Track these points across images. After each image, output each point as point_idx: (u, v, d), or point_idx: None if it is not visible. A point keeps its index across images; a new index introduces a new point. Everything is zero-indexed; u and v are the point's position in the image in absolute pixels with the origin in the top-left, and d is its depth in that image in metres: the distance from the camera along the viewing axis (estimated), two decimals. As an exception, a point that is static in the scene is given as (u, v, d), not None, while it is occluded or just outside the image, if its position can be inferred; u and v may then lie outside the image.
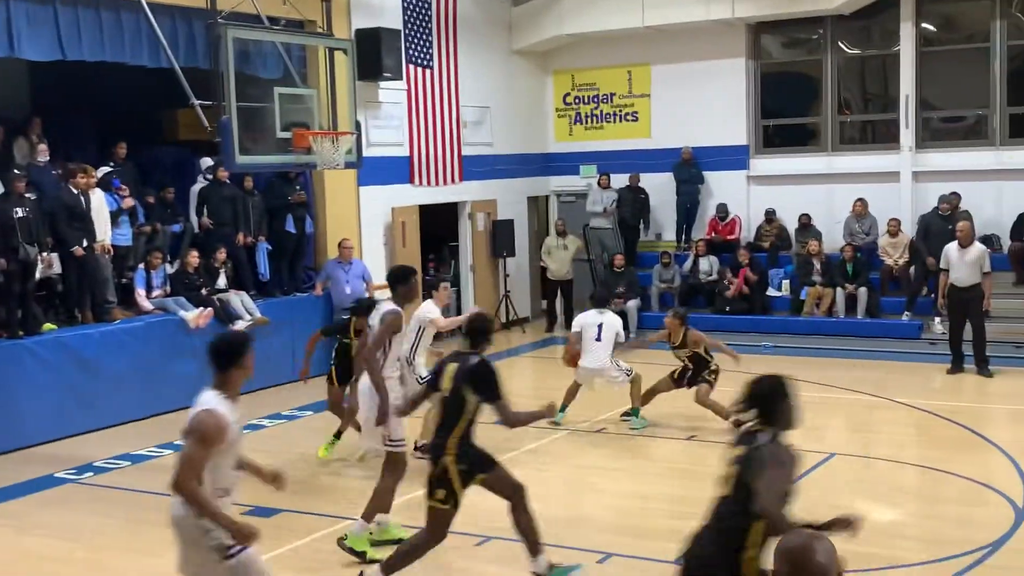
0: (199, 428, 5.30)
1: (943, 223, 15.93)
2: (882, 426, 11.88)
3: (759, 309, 17.36)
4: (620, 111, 19.86)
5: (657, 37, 18.93)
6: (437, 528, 6.94)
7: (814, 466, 9.57)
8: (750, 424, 5.10)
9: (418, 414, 8.94)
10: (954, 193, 16.61)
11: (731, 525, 4.97)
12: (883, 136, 18.49)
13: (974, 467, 9.75)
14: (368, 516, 7.91)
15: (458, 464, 6.77)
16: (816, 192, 18.22)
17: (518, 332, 18.45)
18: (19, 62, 13.24)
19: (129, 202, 13.44)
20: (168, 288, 13.54)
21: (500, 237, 18.63)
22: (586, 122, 20.18)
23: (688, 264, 18.15)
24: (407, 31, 16.76)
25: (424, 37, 17.19)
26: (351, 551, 7.76)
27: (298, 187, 15.20)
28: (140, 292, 13.26)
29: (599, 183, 19.01)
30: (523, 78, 19.76)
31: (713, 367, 11.31)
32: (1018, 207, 16.42)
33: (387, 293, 16.19)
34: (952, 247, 13.74)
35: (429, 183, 17.44)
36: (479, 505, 8.12)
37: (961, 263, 13.56)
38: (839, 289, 16.66)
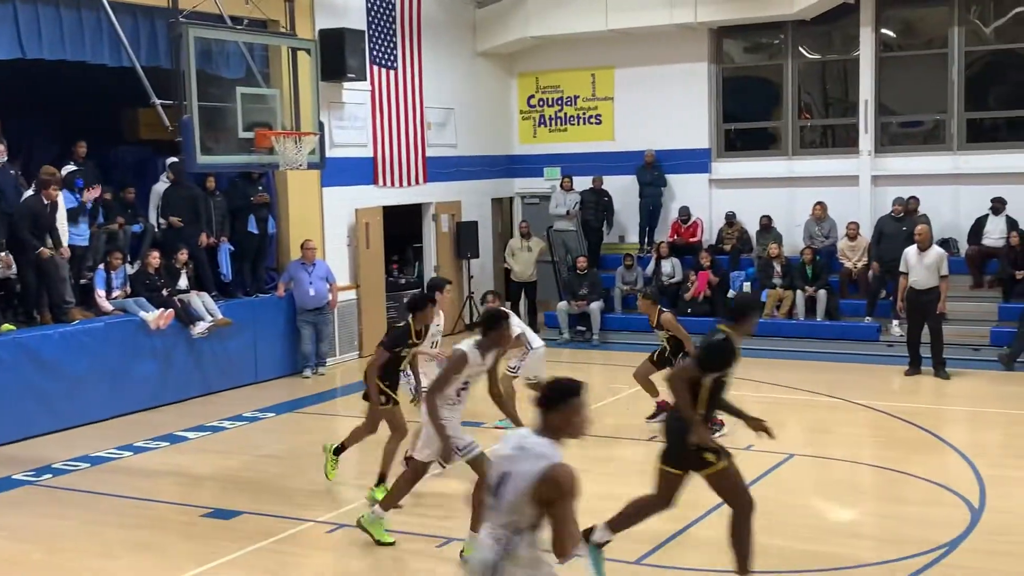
0: (566, 485, 4.49)
1: (896, 225, 16.28)
2: (840, 427, 12.01)
3: (721, 311, 17.44)
4: (584, 114, 19.94)
5: (621, 40, 19.01)
6: (665, 493, 6.86)
7: (773, 466, 9.66)
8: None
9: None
10: (912, 197, 16.82)
11: None
12: (843, 140, 18.68)
13: (931, 468, 9.88)
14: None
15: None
16: (777, 195, 18.37)
17: (481, 334, 18.43)
18: (-23, 60, 13.10)
19: (94, 193, 13.29)
20: (128, 289, 13.43)
21: (464, 239, 18.64)
22: (550, 124, 20.24)
23: (651, 266, 18.25)
24: (371, 32, 16.73)
25: (388, 38, 17.17)
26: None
27: (260, 187, 15.13)
28: (100, 293, 13.14)
29: (561, 185, 19.07)
30: (487, 80, 19.79)
31: (688, 351, 11.17)
32: (975, 211, 16.65)
33: (350, 295, 16.34)
34: (911, 250, 13.92)
35: (393, 184, 17.41)
36: (442, 507, 8.15)
37: (920, 266, 13.74)
38: (799, 291, 16.81)
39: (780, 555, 7.69)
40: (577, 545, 4.59)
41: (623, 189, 19.08)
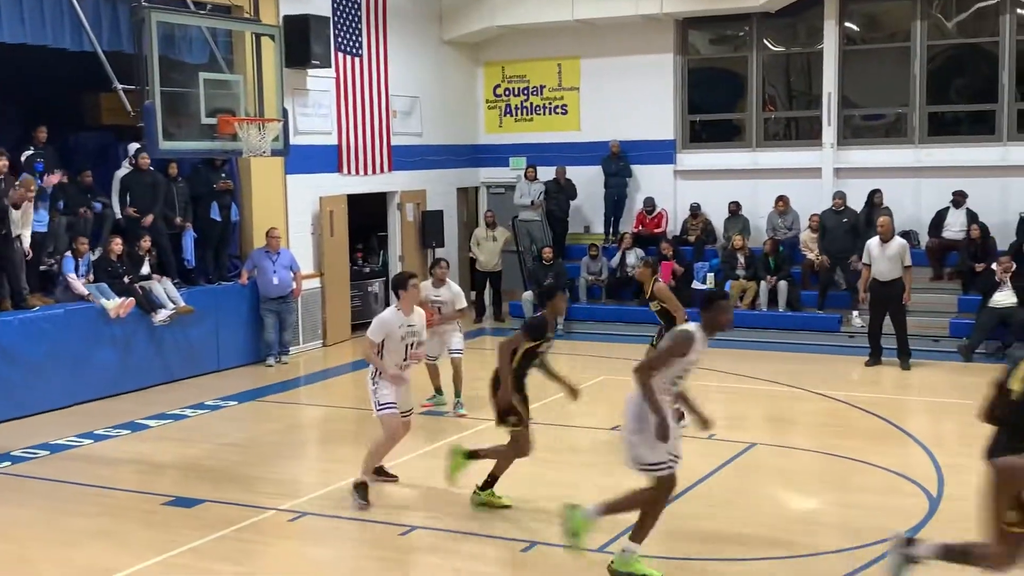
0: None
1: (837, 218, 16.77)
2: (801, 417, 12.11)
3: (684, 302, 17.43)
4: (550, 104, 19.94)
5: (587, 31, 19.03)
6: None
7: (735, 455, 9.73)
8: None
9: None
10: (876, 190, 16.97)
11: None
12: (806, 133, 18.80)
13: (891, 457, 9.98)
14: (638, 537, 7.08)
15: None
16: (741, 187, 18.48)
17: (446, 323, 18.41)
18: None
19: (54, 179, 13.14)
20: (91, 276, 13.29)
21: (429, 228, 18.60)
22: (516, 114, 20.23)
23: (616, 258, 18.29)
24: (336, 18, 16.63)
25: (353, 25, 17.07)
26: None
27: (224, 175, 15.02)
28: (72, 277, 12.99)
29: (526, 175, 19.06)
30: (453, 69, 19.74)
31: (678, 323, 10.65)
32: (936, 204, 16.82)
33: (314, 283, 16.26)
34: (873, 242, 14.05)
35: (358, 172, 17.34)
36: (408, 497, 8.15)
37: (882, 258, 13.88)
38: (762, 282, 16.91)
39: (740, 542, 7.77)
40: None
41: (588, 180, 19.11)
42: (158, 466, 10.33)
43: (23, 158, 13.18)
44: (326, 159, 16.70)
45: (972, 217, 16.35)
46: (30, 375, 12.18)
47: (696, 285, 17.48)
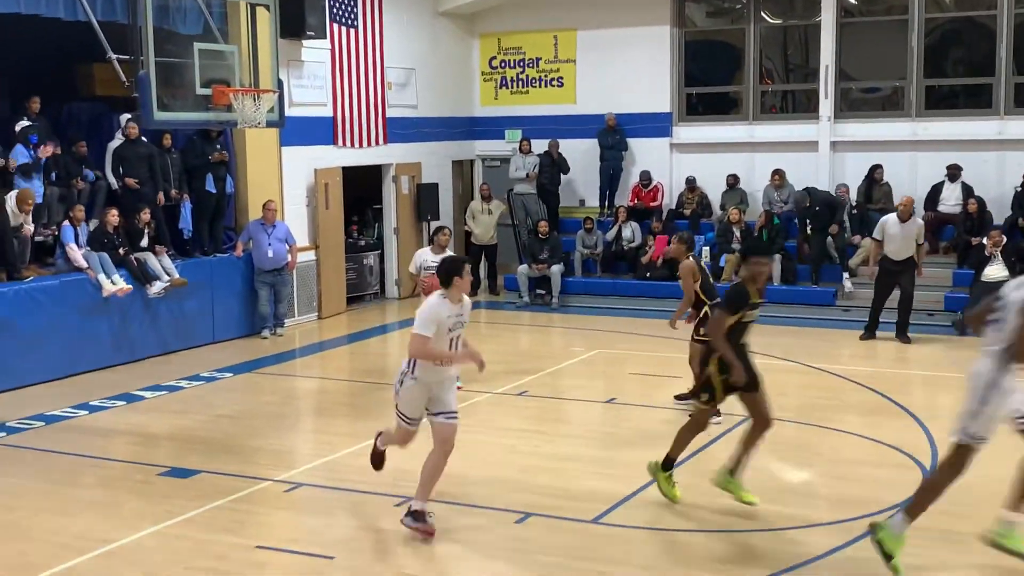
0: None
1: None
2: (795, 390, 12.12)
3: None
4: (546, 76, 19.86)
5: (583, 2, 18.94)
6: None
7: (729, 428, 9.75)
8: None
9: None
10: (877, 166, 16.93)
11: None
12: (803, 106, 18.77)
13: (885, 431, 10.02)
14: (914, 512, 6.78)
15: None
16: (737, 160, 18.45)
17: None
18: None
19: (48, 150, 13.09)
20: (87, 248, 13.25)
21: (424, 200, 18.55)
22: (512, 86, 20.14)
23: (612, 231, 18.28)
24: (331, -11, 16.53)
25: (349, -5, 16.97)
26: (885, 554, 6.66)
27: (219, 146, 14.96)
28: (72, 247, 12.95)
29: (520, 148, 19.01)
30: (449, 40, 19.64)
31: (703, 314, 10.29)
32: (932, 177, 16.81)
33: (310, 255, 16.21)
34: (891, 219, 14.03)
35: (353, 144, 17.28)
36: (400, 467, 8.18)
37: (900, 235, 13.89)
38: (757, 256, 16.90)
39: (735, 514, 7.80)
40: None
41: (584, 153, 19.06)
42: (153, 437, 10.35)
43: (17, 128, 13.12)
44: (321, 131, 16.64)
45: (968, 191, 16.35)
46: (25, 346, 12.17)
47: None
